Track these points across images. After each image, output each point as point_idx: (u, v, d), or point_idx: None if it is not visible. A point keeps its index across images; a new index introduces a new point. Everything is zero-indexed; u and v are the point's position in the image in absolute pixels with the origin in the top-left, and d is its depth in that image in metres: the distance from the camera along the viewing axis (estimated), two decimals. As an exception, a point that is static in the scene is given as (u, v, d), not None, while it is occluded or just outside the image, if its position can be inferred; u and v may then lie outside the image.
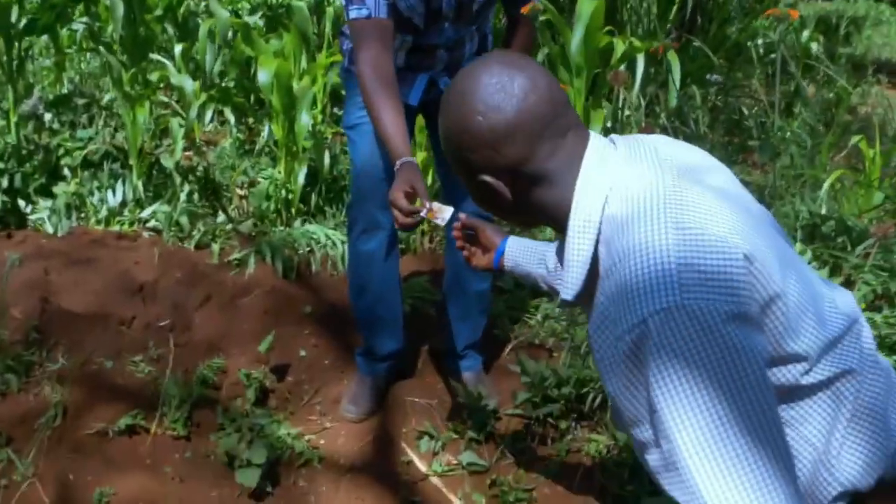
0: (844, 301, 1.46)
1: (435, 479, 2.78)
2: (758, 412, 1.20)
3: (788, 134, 4.85)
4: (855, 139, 4.73)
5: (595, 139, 1.41)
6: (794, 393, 1.33)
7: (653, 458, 1.31)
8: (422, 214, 2.06)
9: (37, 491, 2.60)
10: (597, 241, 1.34)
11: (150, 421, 2.83)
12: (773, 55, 6.87)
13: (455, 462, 2.82)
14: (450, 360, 3.15)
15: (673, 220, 1.25)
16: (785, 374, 1.31)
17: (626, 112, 4.52)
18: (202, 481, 2.71)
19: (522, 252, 2.04)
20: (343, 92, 3.44)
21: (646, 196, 1.29)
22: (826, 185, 4.23)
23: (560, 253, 1.44)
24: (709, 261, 1.21)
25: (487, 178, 1.39)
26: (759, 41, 6.95)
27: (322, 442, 2.88)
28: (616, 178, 1.34)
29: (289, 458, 2.78)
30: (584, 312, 2.73)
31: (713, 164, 1.49)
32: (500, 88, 1.34)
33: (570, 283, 1.39)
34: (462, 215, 2.09)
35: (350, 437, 2.90)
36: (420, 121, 3.21)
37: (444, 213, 2.03)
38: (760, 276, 1.24)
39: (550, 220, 1.42)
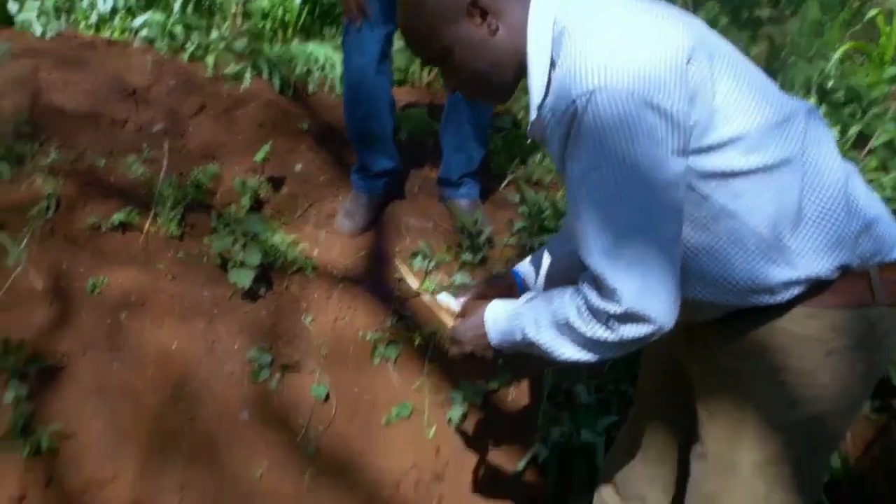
0: (796, 100, 1.54)
1: (426, 297, 2.79)
2: (652, 192, 1.37)
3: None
4: (872, 13, 4.65)
5: None
6: (737, 180, 1.42)
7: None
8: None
9: (29, 278, 2.59)
10: (552, 58, 1.46)
11: (143, 219, 2.80)
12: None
13: (447, 282, 2.83)
14: (446, 187, 3.13)
15: (612, 23, 1.39)
16: (724, 158, 1.41)
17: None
18: (195, 280, 2.71)
19: (534, 263, 1.99)
20: None
21: (587, 11, 1.43)
22: (836, 56, 4.17)
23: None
24: (638, 52, 1.34)
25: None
26: None
27: (316, 252, 2.88)
28: (561, 5, 1.46)
29: (282, 264, 2.78)
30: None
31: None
32: None
33: (533, 99, 1.50)
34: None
35: (344, 250, 2.90)
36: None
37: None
38: (684, 69, 1.35)
39: (516, 51, 1.51)
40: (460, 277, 2.81)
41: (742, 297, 1.50)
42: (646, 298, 1.40)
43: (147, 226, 2.79)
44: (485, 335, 1.66)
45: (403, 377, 2.69)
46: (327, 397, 2.64)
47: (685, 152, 1.38)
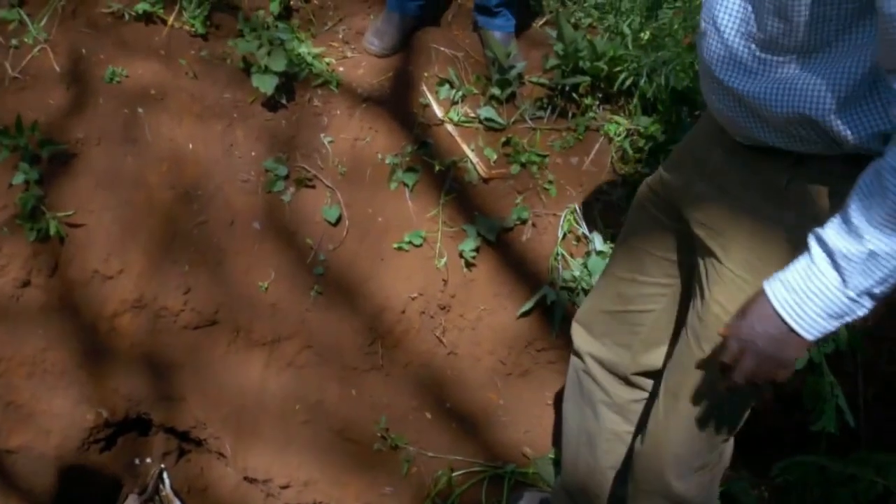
0: None
1: (450, 127, 2.72)
2: None
3: None
4: None
5: None
6: None
7: None
8: None
9: (48, 57, 2.52)
10: None
11: (168, 12, 2.70)
12: None
13: (472, 115, 2.75)
14: (481, 16, 2.98)
15: None
16: None
17: None
18: (216, 81, 2.63)
19: None
20: None
21: None
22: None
23: None
24: None
25: None
26: None
27: (342, 68, 2.78)
28: None
29: (306, 76, 2.69)
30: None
31: None
32: None
33: None
34: None
35: (370, 69, 2.80)
36: None
37: None
38: None
39: None
40: (486, 111, 2.73)
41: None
42: None
43: (171, 20, 2.69)
44: (780, 320, 1.24)
45: (419, 205, 2.65)
46: (339, 219, 2.60)
47: None
